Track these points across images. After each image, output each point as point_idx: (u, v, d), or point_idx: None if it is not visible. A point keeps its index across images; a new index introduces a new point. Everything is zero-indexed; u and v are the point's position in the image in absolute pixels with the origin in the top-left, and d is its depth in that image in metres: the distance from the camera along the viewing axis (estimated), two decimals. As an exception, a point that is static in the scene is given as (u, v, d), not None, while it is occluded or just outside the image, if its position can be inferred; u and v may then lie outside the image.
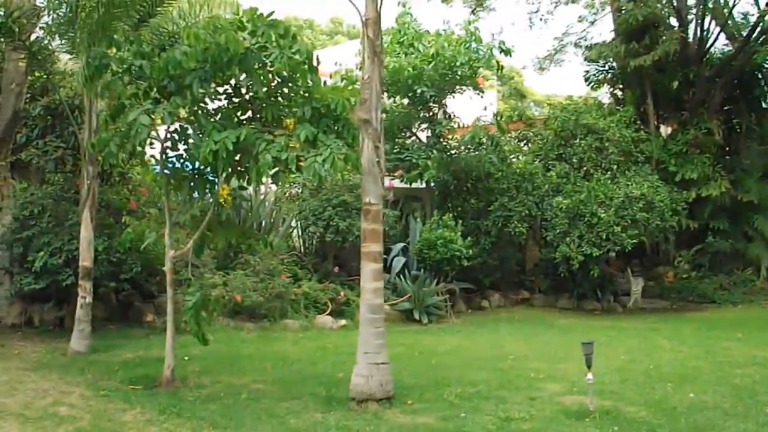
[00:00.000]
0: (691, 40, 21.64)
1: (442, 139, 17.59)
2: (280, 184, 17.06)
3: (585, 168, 17.67)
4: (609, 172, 17.43)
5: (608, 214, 15.82)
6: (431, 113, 17.40)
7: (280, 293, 13.75)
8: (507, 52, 16.79)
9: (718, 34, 22.16)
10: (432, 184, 17.16)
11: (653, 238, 17.88)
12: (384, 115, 17.06)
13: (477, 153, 17.61)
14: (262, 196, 16.19)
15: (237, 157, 8.45)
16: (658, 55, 20.03)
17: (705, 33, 21.99)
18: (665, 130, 22.72)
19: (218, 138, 7.93)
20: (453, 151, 17.81)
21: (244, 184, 9.30)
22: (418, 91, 16.52)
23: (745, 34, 21.23)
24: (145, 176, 11.14)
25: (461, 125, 18.33)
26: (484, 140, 17.55)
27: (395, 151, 16.97)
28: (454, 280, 16.55)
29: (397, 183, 17.50)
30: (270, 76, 8.53)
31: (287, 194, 16.83)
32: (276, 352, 11.45)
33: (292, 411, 7.91)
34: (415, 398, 8.38)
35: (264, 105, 8.64)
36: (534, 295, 18.09)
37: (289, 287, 13.98)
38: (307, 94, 8.50)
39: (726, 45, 22.77)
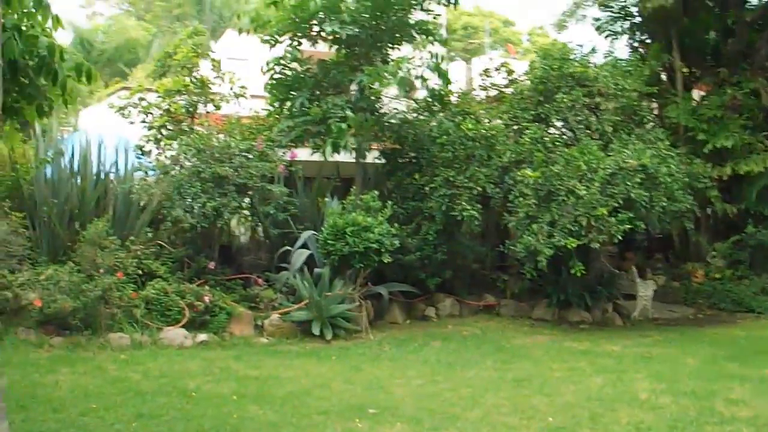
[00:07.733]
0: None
1: (373, 98, 12.87)
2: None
3: (572, 133, 13.08)
4: (605, 137, 12.86)
5: (590, 192, 11.27)
6: (360, 62, 12.80)
7: (104, 297, 9.84)
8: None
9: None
10: (361, 158, 12.65)
11: (665, 226, 13.18)
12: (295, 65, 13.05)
13: (424, 115, 13.19)
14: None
15: None
16: (685, -8, 15.47)
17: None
18: (698, 93, 18.05)
19: None
20: (388, 114, 13.19)
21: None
22: (328, 29, 12.00)
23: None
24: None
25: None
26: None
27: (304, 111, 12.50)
28: (388, 281, 12.36)
29: (318, 156, 13.04)
30: None
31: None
32: (41, 386, 7.51)
33: None
34: None
35: None
36: (502, 301, 13.55)
37: (114, 289, 10.01)
38: None
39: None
